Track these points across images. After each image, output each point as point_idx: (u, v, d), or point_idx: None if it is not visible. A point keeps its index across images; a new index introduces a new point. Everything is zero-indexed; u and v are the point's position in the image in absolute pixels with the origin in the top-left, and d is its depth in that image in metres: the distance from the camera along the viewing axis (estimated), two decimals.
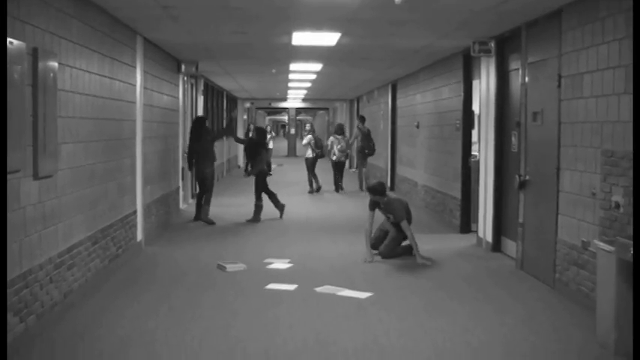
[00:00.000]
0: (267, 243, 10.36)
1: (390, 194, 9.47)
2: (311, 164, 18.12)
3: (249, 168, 13.05)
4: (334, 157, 18.01)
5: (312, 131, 19.12)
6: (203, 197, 12.34)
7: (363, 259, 8.96)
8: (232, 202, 15.75)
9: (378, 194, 9.21)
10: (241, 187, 18.59)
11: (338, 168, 18.13)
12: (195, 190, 13.67)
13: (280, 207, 13.08)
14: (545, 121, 7.78)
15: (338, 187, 18.09)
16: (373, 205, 9.27)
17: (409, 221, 9.23)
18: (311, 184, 18.07)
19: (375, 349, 5.43)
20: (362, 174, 18.47)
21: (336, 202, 16.35)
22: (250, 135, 13.76)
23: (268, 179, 13.20)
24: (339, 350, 5.39)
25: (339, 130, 18.45)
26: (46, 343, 5.49)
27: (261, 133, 13.49)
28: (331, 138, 18.44)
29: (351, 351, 5.39)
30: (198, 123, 12.82)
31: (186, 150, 13.00)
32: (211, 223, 12.10)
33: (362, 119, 19.02)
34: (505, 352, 5.42)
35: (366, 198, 16.94)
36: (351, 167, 21.96)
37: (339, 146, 18.06)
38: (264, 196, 12.95)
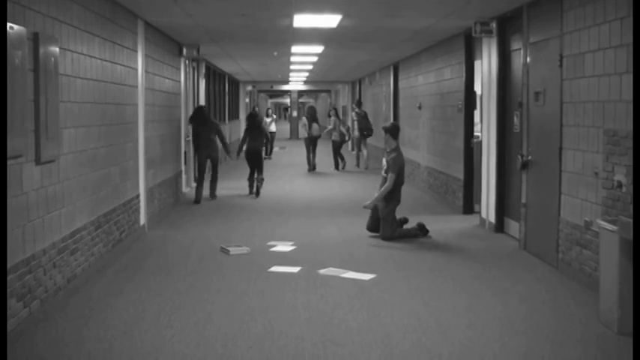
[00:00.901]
0: (270, 225, 10.36)
1: (400, 148, 9.52)
2: (338, 147, 19.65)
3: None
4: (334, 138, 19.76)
5: (335, 114, 20.24)
6: (211, 173, 13.55)
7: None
8: (235, 186, 15.75)
9: (389, 133, 9.39)
10: (244, 171, 18.56)
11: (336, 148, 19.69)
12: (225, 158, 16.11)
13: (256, 187, 13.84)
14: (547, 101, 7.76)
15: (338, 165, 19.62)
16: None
17: (401, 183, 9.31)
18: (337, 165, 19.62)
19: (379, 330, 5.44)
20: (360, 153, 20.22)
21: (338, 181, 16.37)
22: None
23: (269, 162, 13.69)
24: (342, 331, 5.41)
25: (336, 113, 20.29)
26: (50, 328, 5.51)
27: (249, 117, 14.72)
28: (333, 118, 20.04)
29: (355, 331, 5.40)
30: (199, 110, 13.60)
31: (190, 135, 14.04)
32: (214, 197, 13.32)
33: (358, 103, 20.37)
34: (508, 331, 5.43)
35: (364, 176, 18.51)
36: (353, 150, 23.33)
37: (336, 128, 19.75)
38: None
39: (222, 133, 13.72)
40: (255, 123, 14.35)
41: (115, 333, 5.39)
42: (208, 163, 13.61)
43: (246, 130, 14.45)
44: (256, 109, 22.58)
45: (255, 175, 14.06)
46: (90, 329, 5.50)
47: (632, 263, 5.12)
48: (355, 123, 20.13)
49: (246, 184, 14.86)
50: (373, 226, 9.42)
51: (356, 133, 20.05)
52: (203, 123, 13.21)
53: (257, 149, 14.16)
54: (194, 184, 15.22)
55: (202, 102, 16.83)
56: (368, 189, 14.94)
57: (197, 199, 12.79)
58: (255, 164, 14.11)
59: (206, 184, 13.51)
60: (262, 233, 9.69)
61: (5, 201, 4.97)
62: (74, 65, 6.73)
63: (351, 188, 15.06)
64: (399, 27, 10.86)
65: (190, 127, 13.82)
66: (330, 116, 20.57)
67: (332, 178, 17.54)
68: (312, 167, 19.30)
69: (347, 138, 20.15)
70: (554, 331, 5.46)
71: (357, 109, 20.05)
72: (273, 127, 26.08)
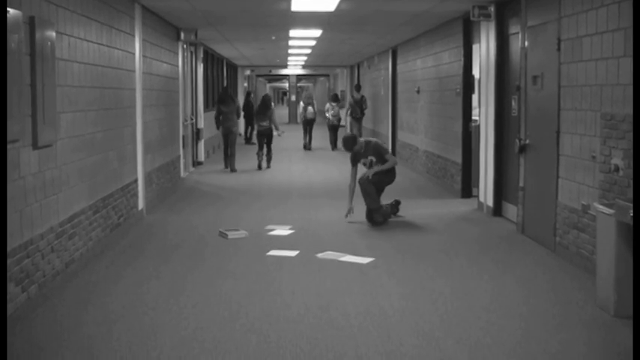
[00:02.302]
0: (268, 209, 10.37)
1: (362, 139, 9.45)
2: (332, 128, 21.45)
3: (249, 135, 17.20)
4: (329, 121, 21.54)
5: (334, 99, 21.92)
6: (229, 149, 15.57)
7: (345, 214, 9.26)
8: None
9: (350, 147, 9.26)
10: (243, 154, 18.61)
11: (332, 130, 21.47)
12: (220, 146, 19.01)
13: (267, 160, 16.13)
14: (545, 84, 7.74)
15: (334, 145, 21.24)
16: (354, 159, 9.35)
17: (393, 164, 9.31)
18: (334, 145, 21.34)
19: (377, 313, 5.46)
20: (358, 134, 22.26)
21: (335, 164, 16.38)
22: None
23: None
24: (340, 314, 5.42)
25: (334, 98, 21.98)
26: (48, 312, 5.52)
27: (262, 102, 16.34)
28: (327, 104, 21.98)
29: (353, 314, 5.41)
30: (224, 91, 16.54)
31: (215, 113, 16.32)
32: (234, 170, 15.34)
33: (357, 87, 21.87)
34: (505, 314, 5.44)
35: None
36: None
37: (332, 111, 21.46)
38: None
39: (240, 111, 16.69)
40: (264, 107, 15.92)
41: (113, 317, 5.40)
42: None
43: (257, 114, 16.12)
44: (252, 95, 24.77)
45: (265, 152, 16.04)
46: (88, 313, 5.51)
47: (632, 247, 5.13)
48: (349, 107, 21.69)
49: (242, 168, 15.68)
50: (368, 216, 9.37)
51: (348, 116, 21.64)
52: (226, 102, 15.60)
53: (266, 129, 15.85)
54: (192, 169, 15.32)
55: (200, 85, 16.81)
56: (361, 168, 14.94)
57: (226, 166, 15.59)
58: (267, 142, 16.00)
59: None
60: (260, 217, 9.69)
61: (5, 186, 4.97)
62: (71, 49, 6.70)
63: (348, 170, 15.03)
64: (398, 10, 10.81)
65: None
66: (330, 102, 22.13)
67: (330, 161, 17.58)
68: (306, 146, 21.29)
69: (337, 122, 21.64)
70: (551, 314, 5.48)
71: (354, 93, 21.55)
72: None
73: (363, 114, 21.27)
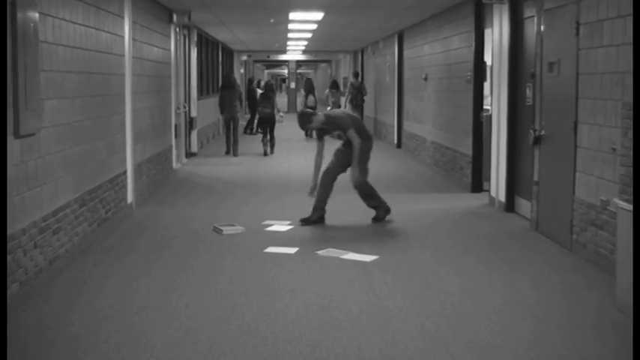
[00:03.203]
0: (266, 203, 10.37)
1: (329, 111, 9.26)
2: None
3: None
4: (329, 108, 22.18)
5: (333, 87, 23.32)
6: (232, 135, 16.99)
7: (308, 191, 9.06)
8: (230, 161, 15.76)
9: (303, 124, 9.00)
10: (243, 144, 18.65)
11: None
12: (219, 132, 21.12)
13: (271, 145, 17.31)
14: (562, 71, 7.72)
15: None
16: (319, 134, 9.05)
17: (364, 137, 8.93)
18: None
19: (381, 314, 5.46)
20: None
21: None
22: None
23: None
24: (342, 315, 5.42)
25: (334, 85, 23.42)
26: (31, 312, 5.52)
27: (265, 87, 18.19)
28: (326, 91, 23.47)
29: (355, 315, 5.41)
30: (227, 77, 17.99)
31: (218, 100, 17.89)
32: (237, 155, 16.80)
33: (355, 75, 23.22)
34: (518, 315, 5.44)
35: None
36: None
37: (332, 99, 22.80)
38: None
39: (242, 97, 18.29)
40: (267, 93, 17.48)
41: (101, 317, 5.40)
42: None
43: (260, 100, 17.55)
44: (254, 82, 26.14)
45: (268, 137, 17.23)
46: (75, 313, 5.50)
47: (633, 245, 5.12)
48: (348, 94, 22.90)
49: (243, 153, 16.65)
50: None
51: (348, 104, 22.49)
52: (229, 88, 17.17)
53: (269, 115, 17.20)
54: (185, 160, 15.34)
55: (194, 71, 16.82)
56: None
57: (228, 152, 17.02)
58: (270, 129, 17.27)
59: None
60: (258, 211, 9.69)
61: (5, 175, 4.96)
62: (55, 32, 6.68)
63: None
64: None
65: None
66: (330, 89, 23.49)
67: (331, 152, 17.52)
68: (308, 135, 21.52)
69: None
70: (567, 316, 5.47)
71: (352, 80, 22.78)
72: None
73: (363, 101, 22.67)
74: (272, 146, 17.35)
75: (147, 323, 5.25)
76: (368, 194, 9.03)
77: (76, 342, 4.90)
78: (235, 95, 17.14)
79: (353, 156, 8.85)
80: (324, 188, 8.92)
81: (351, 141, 8.85)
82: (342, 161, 8.99)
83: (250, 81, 25.82)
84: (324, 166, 9.06)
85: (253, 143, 19.65)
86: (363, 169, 8.95)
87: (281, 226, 8.72)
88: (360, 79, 23.23)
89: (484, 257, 7.28)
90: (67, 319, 5.37)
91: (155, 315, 5.44)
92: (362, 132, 8.95)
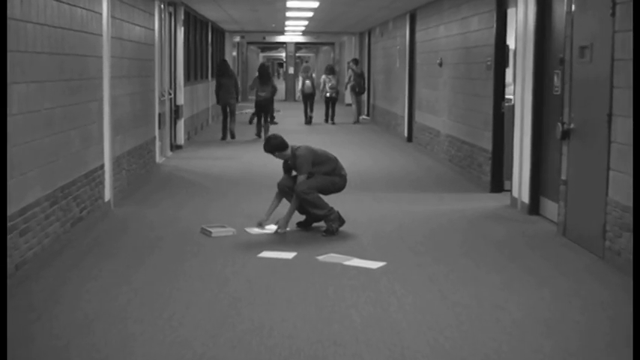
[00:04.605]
0: (260, 201, 10.35)
1: (302, 147, 8.68)
2: (329, 102, 24.45)
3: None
4: (327, 94, 24.12)
5: (330, 72, 24.88)
6: (228, 119, 18.89)
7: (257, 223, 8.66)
8: (220, 155, 15.76)
9: (271, 149, 8.58)
10: (241, 132, 18.72)
11: (329, 103, 24.23)
12: (209, 122, 22.77)
13: (265, 130, 19.07)
14: (596, 57, 7.70)
15: (328, 118, 24.38)
16: (285, 167, 8.81)
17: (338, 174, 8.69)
18: (326, 118, 24.72)
19: (387, 327, 5.45)
20: (357, 109, 24.97)
21: (337, 144, 16.33)
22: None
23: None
24: (344, 328, 5.41)
25: (331, 70, 24.91)
26: None
27: (261, 70, 20.08)
28: (323, 77, 24.72)
29: (360, 329, 5.41)
30: (223, 63, 20.07)
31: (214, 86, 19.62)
32: (233, 137, 18.92)
33: (355, 61, 25.46)
34: (543, 332, 5.43)
35: (358, 132, 21.55)
36: (349, 105, 28.72)
37: (330, 84, 24.07)
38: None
39: (237, 84, 19.83)
40: (265, 76, 19.39)
41: (73, 329, 5.39)
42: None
43: (259, 84, 19.26)
44: (266, 64, 27.03)
45: (262, 122, 19.33)
46: (43, 325, 5.49)
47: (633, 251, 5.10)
48: (350, 80, 24.95)
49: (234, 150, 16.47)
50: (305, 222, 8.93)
51: (350, 91, 24.80)
52: (224, 75, 19.10)
53: (266, 100, 19.20)
54: (170, 153, 15.35)
55: (180, 54, 16.84)
56: (370, 155, 14.96)
57: (224, 137, 18.77)
58: (267, 111, 19.41)
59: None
60: (251, 211, 9.68)
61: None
62: (24, 7, 6.67)
63: (353, 156, 15.01)
64: None
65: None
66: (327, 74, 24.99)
67: (330, 140, 17.54)
68: (307, 120, 24.12)
69: (335, 94, 24.37)
70: (600, 333, 5.46)
71: (353, 67, 24.91)
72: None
73: (364, 88, 24.90)
74: (266, 131, 18.67)
75: (126, 336, 5.24)
76: (313, 202, 8.52)
77: (45, 358, 4.88)
78: (231, 83, 18.98)
79: (290, 206, 8.52)
80: (308, 202, 8.58)
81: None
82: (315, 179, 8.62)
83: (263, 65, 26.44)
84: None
85: (246, 129, 21.32)
86: (320, 187, 8.59)
87: (262, 231, 8.56)
88: (358, 65, 25.31)
89: (504, 266, 7.27)
90: (34, 331, 5.35)
91: (136, 327, 5.42)
92: (334, 172, 8.65)
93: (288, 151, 8.63)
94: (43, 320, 5.57)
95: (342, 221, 8.64)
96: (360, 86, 24.74)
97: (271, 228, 8.66)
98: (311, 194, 8.48)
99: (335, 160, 8.81)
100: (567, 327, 5.56)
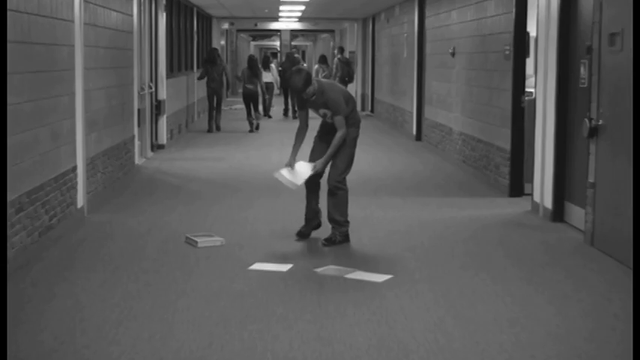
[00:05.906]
0: (250, 207, 10.36)
1: (322, 80, 8.80)
2: None
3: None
4: None
5: (323, 62, 27.40)
6: (214, 110, 20.51)
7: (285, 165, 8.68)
8: (207, 156, 15.77)
9: (308, 85, 8.39)
10: (219, 136, 18.73)
11: None
12: (194, 119, 23.24)
13: (256, 124, 21.00)
14: (627, 45, 7.71)
15: None
16: (300, 103, 8.81)
17: (353, 121, 8.64)
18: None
19: (394, 348, 5.45)
20: None
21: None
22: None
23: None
24: (346, 349, 5.41)
25: (323, 60, 27.66)
26: None
27: (250, 62, 22.09)
28: (316, 66, 27.37)
29: (364, 349, 5.41)
30: (212, 52, 21.42)
31: (200, 75, 21.34)
32: (219, 129, 20.54)
33: (341, 50, 27.90)
34: (567, 352, 5.43)
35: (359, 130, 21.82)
36: None
37: (324, 74, 25.70)
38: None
39: (228, 73, 21.92)
40: (253, 68, 21.32)
41: (42, 351, 5.38)
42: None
43: (246, 76, 21.20)
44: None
45: (252, 113, 20.87)
46: (7, 347, 5.47)
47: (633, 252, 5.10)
48: (337, 70, 26.31)
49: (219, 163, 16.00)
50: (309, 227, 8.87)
51: (337, 80, 25.07)
52: (213, 63, 20.55)
53: (253, 92, 21.06)
54: (151, 154, 15.34)
55: (162, 43, 16.85)
56: (374, 156, 14.97)
57: (210, 129, 20.32)
58: (254, 105, 20.97)
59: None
60: (241, 218, 9.68)
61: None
62: None
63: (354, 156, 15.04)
64: None
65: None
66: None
67: None
68: (290, 113, 25.49)
69: None
70: (631, 352, 5.45)
71: (339, 56, 26.85)
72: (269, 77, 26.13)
73: (353, 77, 26.77)
74: (257, 125, 20.88)
75: (101, 359, 5.22)
76: (339, 203, 8.54)
77: None
78: (220, 72, 20.57)
79: (331, 146, 8.54)
80: (346, 200, 8.61)
81: (336, 129, 8.53)
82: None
83: (273, 55, 28.14)
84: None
85: (236, 123, 22.86)
86: (349, 162, 8.65)
87: (293, 176, 8.45)
88: (344, 54, 27.61)
89: (525, 278, 7.27)
90: None
91: (112, 348, 5.42)
92: (352, 117, 8.68)
93: (316, 86, 8.53)
94: (7, 343, 5.55)
95: (347, 239, 8.58)
96: (349, 75, 26.27)
97: (301, 167, 8.53)
98: (342, 190, 8.53)
99: (354, 99, 8.96)
100: (595, 346, 5.56)
